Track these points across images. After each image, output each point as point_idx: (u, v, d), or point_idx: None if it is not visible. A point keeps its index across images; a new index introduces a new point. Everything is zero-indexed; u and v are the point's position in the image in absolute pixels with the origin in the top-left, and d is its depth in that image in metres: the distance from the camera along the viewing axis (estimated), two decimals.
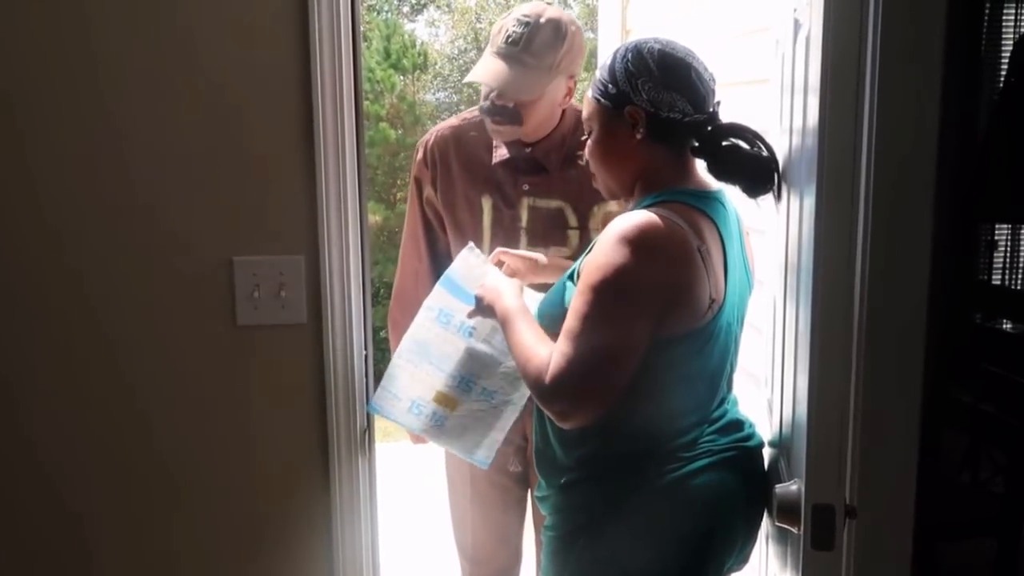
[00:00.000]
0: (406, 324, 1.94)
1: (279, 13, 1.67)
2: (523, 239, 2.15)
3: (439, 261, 2.23)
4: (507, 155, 2.15)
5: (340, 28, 1.69)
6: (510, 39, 2.03)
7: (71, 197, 1.70)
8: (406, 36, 15.06)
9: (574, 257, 2.02)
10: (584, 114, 1.68)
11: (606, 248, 1.48)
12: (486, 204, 2.16)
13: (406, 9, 19.52)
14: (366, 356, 1.86)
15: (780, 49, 1.76)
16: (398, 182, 14.12)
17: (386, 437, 4.49)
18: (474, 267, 1.89)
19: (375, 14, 16.91)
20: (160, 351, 1.76)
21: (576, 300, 1.49)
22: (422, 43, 15.86)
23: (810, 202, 1.27)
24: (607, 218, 2.09)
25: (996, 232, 2.77)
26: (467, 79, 2.08)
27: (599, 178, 1.71)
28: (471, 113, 2.24)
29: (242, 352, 1.78)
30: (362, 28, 1.82)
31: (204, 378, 1.78)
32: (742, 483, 1.61)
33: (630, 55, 1.59)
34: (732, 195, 1.67)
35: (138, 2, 1.65)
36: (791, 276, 1.51)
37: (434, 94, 17.22)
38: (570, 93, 2.14)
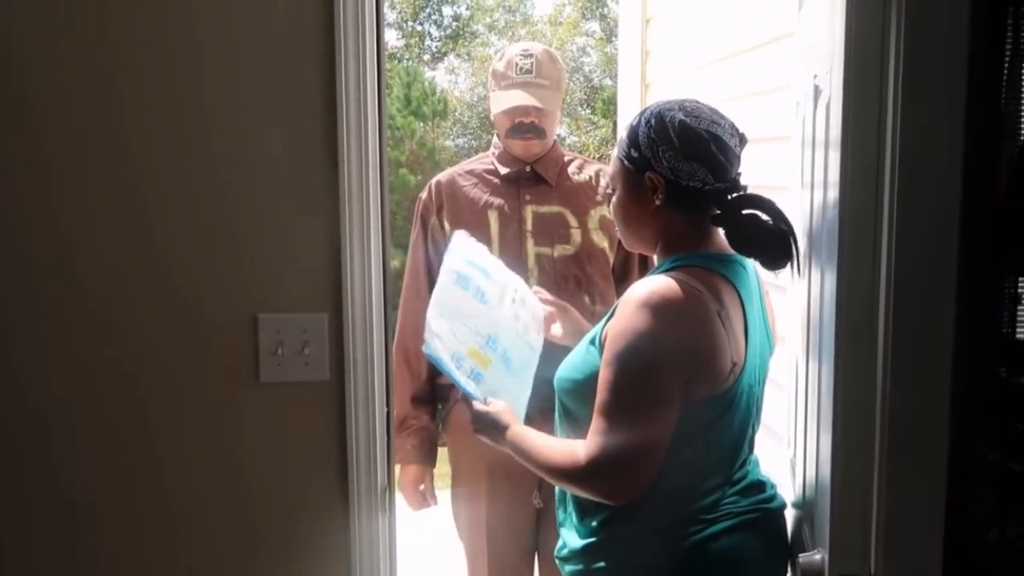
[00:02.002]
0: (403, 378, 2.32)
1: (306, 67, 1.68)
2: (530, 241, 2.38)
3: None
4: (510, 170, 2.43)
5: (366, 82, 1.70)
6: (523, 70, 2.41)
7: (97, 253, 1.72)
8: (426, 83, 15.27)
9: (577, 255, 2.33)
10: (610, 172, 1.70)
11: (627, 315, 1.49)
12: (492, 214, 2.41)
13: (427, 57, 19.78)
14: (388, 413, 1.85)
15: (801, 112, 1.77)
16: None
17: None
18: (470, 243, 1.98)
19: (396, 62, 17.14)
20: (183, 407, 1.76)
21: (604, 373, 1.50)
22: (442, 90, 16.07)
23: (832, 261, 1.27)
24: (604, 219, 2.39)
25: (1019, 285, 2.76)
26: (502, 108, 2.39)
27: (622, 234, 1.73)
28: (468, 162, 2.55)
29: (265, 409, 1.78)
30: None
31: (226, 435, 1.78)
32: (764, 546, 1.59)
33: (653, 121, 1.60)
34: None
35: (167, 56, 1.68)
36: (813, 334, 1.51)
37: (454, 140, 17.40)
38: (562, 109, 2.54)
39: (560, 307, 2.02)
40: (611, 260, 2.42)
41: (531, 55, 2.43)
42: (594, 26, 19.86)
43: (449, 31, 20.33)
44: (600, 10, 19.84)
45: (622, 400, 1.47)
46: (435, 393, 2.48)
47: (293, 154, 1.72)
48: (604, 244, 2.39)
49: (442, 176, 2.52)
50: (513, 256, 2.30)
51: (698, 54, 3.48)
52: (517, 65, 2.42)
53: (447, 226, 2.41)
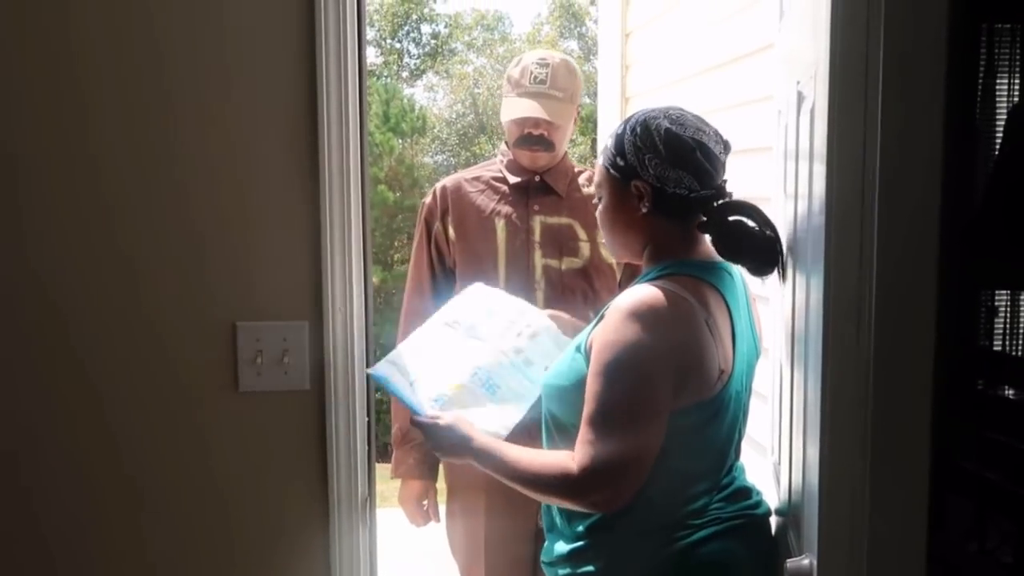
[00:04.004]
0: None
1: (287, 76, 1.69)
2: (537, 252, 2.31)
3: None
4: (520, 180, 2.36)
5: (347, 94, 1.70)
6: (536, 79, 2.33)
7: (70, 257, 1.70)
8: (405, 101, 15.30)
9: (585, 269, 2.29)
10: (595, 181, 1.69)
11: (614, 325, 1.48)
12: (499, 223, 2.34)
13: (405, 74, 19.82)
14: (369, 423, 1.84)
15: (783, 120, 1.78)
16: (395, 244, 14.19)
17: (384, 503, 4.42)
18: (484, 293, 1.95)
19: (375, 79, 17.17)
20: (159, 416, 1.74)
21: (591, 383, 1.49)
22: (421, 107, 16.09)
23: (818, 269, 1.27)
24: None
25: (996, 298, 2.77)
26: (511, 116, 2.33)
27: (608, 243, 1.72)
28: (475, 170, 2.47)
29: (243, 419, 1.76)
30: None
31: (204, 445, 1.76)
32: (749, 552, 1.59)
33: (639, 129, 1.60)
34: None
35: (150, 67, 1.67)
36: (798, 343, 1.51)
37: (432, 157, 17.44)
38: (575, 122, 2.44)
39: (553, 315, 1.98)
40: (618, 276, 2.38)
41: (547, 64, 2.35)
42: (572, 45, 20.00)
43: (428, 48, 20.40)
44: (578, 29, 19.98)
45: (611, 411, 1.46)
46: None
47: (274, 162, 1.71)
48: (612, 260, 2.35)
49: (448, 181, 2.44)
50: (519, 267, 2.29)
51: (678, 67, 3.50)
52: (532, 74, 2.34)
53: (452, 233, 2.36)
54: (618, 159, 1.61)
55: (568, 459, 1.49)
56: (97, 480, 1.75)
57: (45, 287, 1.70)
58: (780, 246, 1.58)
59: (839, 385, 1.22)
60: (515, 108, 2.34)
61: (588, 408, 1.48)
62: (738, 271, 1.66)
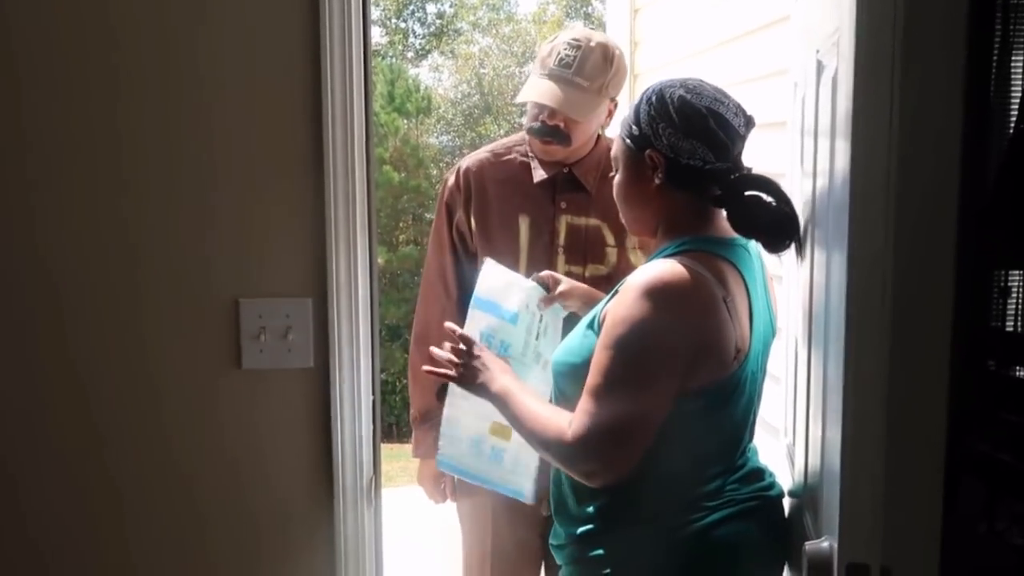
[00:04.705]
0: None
1: (290, 54, 1.65)
2: (560, 257, 2.15)
3: (469, 296, 2.20)
4: (545, 175, 2.17)
5: (352, 71, 1.66)
6: (563, 61, 2.08)
7: (69, 233, 1.67)
8: (410, 81, 15.23)
9: (610, 277, 2.08)
10: (612, 151, 1.66)
11: (629, 301, 1.44)
12: (523, 223, 2.16)
13: (410, 54, 19.73)
14: (374, 402, 1.80)
15: (800, 92, 1.73)
16: (400, 225, 14.17)
17: (389, 482, 4.42)
18: (500, 278, 1.87)
19: (380, 59, 17.09)
20: (160, 395, 1.71)
21: (599, 355, 1.45)
22: (426, 88, 16.03)
23: (840, 248, 1.23)
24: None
25: (1009, 278, 2.74)
26: (521, 98, 2.12)
27: (623, 215, 1.69)
28: (500, 144, 2.27)
29: (246, 397, 1.72)
30: None
31: (206, 423, 1.73)
32: (764, 534, 1.56)
33: (654, 98, 1.56)
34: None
35: (154, 45, 1.64)
36: (816, 323, 1.47)
37: (437, 137, 17.37)
38: (610, 115, 2.19)
39: (568, 289, 1.92)
40: None
41: (578, 46, 2.08)
42: (578, 25, 19.86)
43: (433, 28, 20.29)
44: (584, 9, 19.85)
45: (612, 384, 1.43)
46: None
47: (278, 136, 1.67)
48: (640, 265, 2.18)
49: (471, 162, 2.24)
50: (540, 271, 2.08)
51: (689, 42, 3.45)
52: (559, 55, 2.09)
53: (474, 224, 2.19)
54: (633, 128, 1.58)
55: (566, 424, 1.46)
56: (95, 460, 1.72)
57: (45, 267, 1.67)
58: (797, 221, 1.54)
59: (862, 366, 1.18)
60: (530, 90, 2.13)
61: (591, 379, 1.45)
62: (755, 248, 1.62)
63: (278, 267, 1.70)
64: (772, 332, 1.65)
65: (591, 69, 2.08)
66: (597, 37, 2.14)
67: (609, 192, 2.07)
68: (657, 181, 1.56)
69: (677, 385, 1.44)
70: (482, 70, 18.34)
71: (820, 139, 1.43)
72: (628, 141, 1.60)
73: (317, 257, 1.70)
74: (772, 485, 1.63)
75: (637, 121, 1.57)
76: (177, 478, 1.74)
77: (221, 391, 1.72)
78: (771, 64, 2.59)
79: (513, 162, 2.21)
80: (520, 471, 1.88)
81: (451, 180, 2.25)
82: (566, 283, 1.94)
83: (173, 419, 1.72)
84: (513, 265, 2.08)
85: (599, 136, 2.21)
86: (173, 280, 1.69)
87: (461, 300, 2.18)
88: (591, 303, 1.91)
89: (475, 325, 1.83)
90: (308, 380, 1.73)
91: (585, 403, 1.45)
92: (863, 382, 1.18)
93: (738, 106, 1.58)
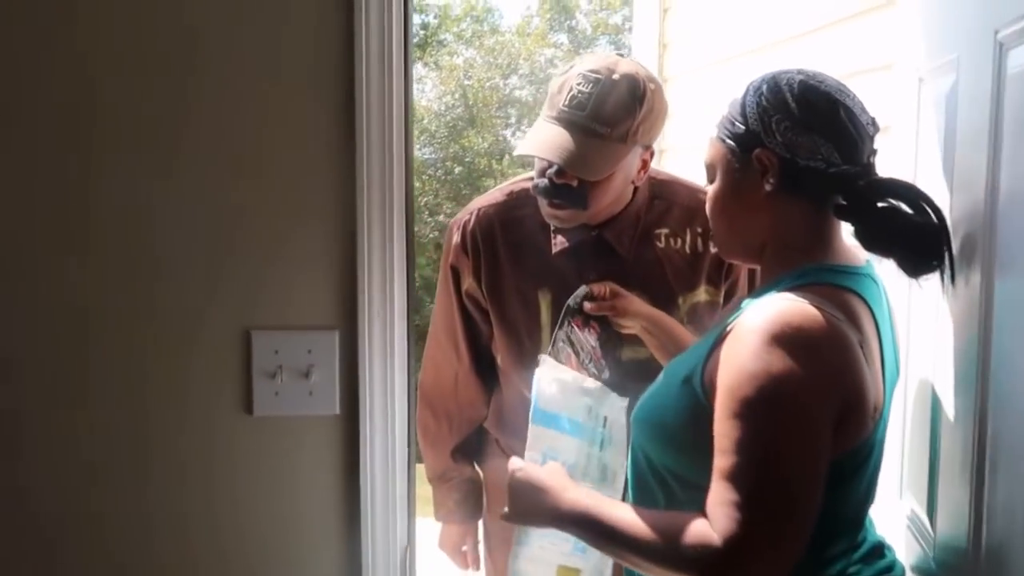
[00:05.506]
0: (441, 433, 1.89)
1: (319, 49, 1.50)
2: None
3: (483, 358, 1.90)
4: (567, 244, 1.76)
5: (391, 66, 1.50)
6: (575, 101, 1.63)
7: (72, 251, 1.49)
8: None
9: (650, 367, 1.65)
10: (706, 158, 1.38)
11: (754, 352, 1.15)
12: (544, 299, 1.77)
13: None
14: (409, 456, 1.58)
15: (928, 88, 1.48)
16: None
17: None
18: (557, 381, 1.54)
19: None
20: (158, 445, 1.53)
21: (727, 426, 1.15)
22: None
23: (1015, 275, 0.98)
24: (695, 310, 1.76)
25: None
26: (520, 151, 1.69)
27: (718, 237, 1.40)
28: (517, 184, 1.85)
29: (258, 450, 1.54)
30: None
31: (211, 481, 1.54)
32: None
33: (765, 87, 1.30)
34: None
35: (165, 48, 1.48)
36: (966, 364, 1.24)
37: (420, 150, 17.29)
38: (645, 167, 1.73)
39: (651, 318, 1.65)
40: None
41: (597, 80, 1.63)
42: (562, 38, 19.86)
43: (417, 40, 20.22)
44: (568, 22, 19.86)
45: (764, 465, 1.13)
46: (480, 443, 2.03)
47: (302, 142, 1.51)
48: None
49: (478, 218, 1.82)
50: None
51: (725, 45, 3.29)
52: (571, 91, 1.65)
53: (486, 295, 1.81)
54: (737, 123, 1.31)
55: (704, 525, 1.15)
56: (84, 521, 1.54)
57: (29, 276, 1.49)
58: (948, 235, 1.27)
59: None
60: (533, 138, 1.68)
61: (727, 460, 1.14)
62: (880, 277, 1.35)
63: (299, 292, 1.52)
64: (896, 377, 1.39)
65: (613, 110, 1.62)
66: (623, 67, 1.66)
67: (650, 255, 1.76)
68: (768, 188, 1.29)
69: (830, 445, 1.16)
70: (467, 82, 18.26)
71: (1003, 140, 1.16)
72: (729, 141, 1.32)
73: (346, 282, 1.51)
74: (893, 564, 1.38)
75: (743, 115, 1.30)
76: (175, 545, 1.55)
77: (228, 442, 1.53)
78: (827, 67, 2.35)
79: (529, 220, 1.80)
80: None
81: (456, 238, 1.85)
82: (626, 297, 1.64)
83: (170, 474, 1.53)
84: (533, 347, 1.74)
85: (635, 189, 1.77)
86: (172, 307, 1.50)
87: (476, 364, 1.90)
88: (659, 331, 1.65)
89: (537, 446, 1.49)
90: (333, 430, 1.55)
91: (726, 493, 1.14)
92: None
93: (863, 103, 1.32)
